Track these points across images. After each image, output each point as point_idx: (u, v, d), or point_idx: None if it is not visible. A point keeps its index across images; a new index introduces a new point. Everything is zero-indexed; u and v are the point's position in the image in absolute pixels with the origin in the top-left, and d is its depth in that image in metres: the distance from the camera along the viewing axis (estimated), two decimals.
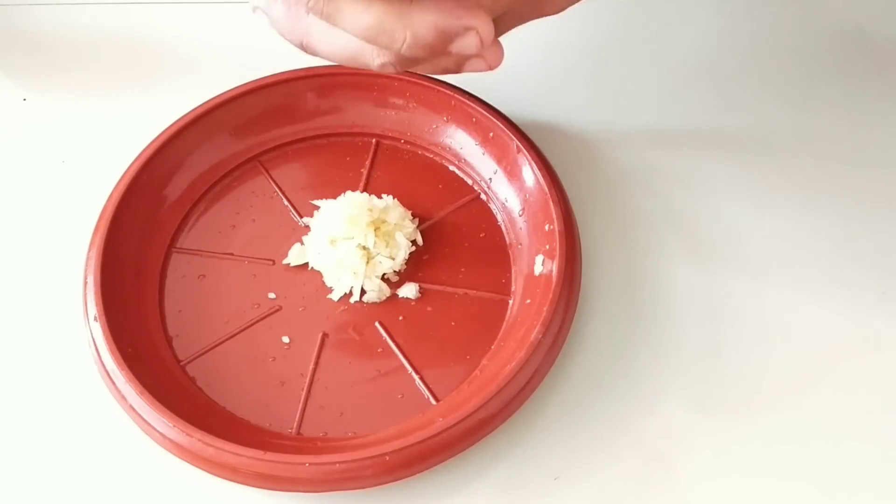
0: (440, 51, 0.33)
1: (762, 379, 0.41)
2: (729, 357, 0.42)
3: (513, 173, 0.45)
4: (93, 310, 0.41)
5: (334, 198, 0.45)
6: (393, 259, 0.44)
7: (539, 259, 0.43)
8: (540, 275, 0.42)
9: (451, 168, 0.48)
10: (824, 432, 0.40)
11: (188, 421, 0.38)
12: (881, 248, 0.45)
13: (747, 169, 0.48)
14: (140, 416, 0.39)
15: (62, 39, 0.55)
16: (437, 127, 0.48)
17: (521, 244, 0.44)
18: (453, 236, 0.45)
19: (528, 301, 0.42)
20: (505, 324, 0.43)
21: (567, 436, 0.40)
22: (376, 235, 0.43)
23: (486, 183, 0.47)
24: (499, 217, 0.46)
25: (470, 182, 0.47)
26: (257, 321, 0.43)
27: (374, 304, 0.44)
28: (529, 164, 0.44)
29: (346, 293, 0.44)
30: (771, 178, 0.47)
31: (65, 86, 0.53)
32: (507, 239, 0.45)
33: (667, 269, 0.44)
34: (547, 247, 0.42)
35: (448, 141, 0.48)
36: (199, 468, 0.38)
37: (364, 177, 0.47)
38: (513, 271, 0.44)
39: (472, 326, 0.43)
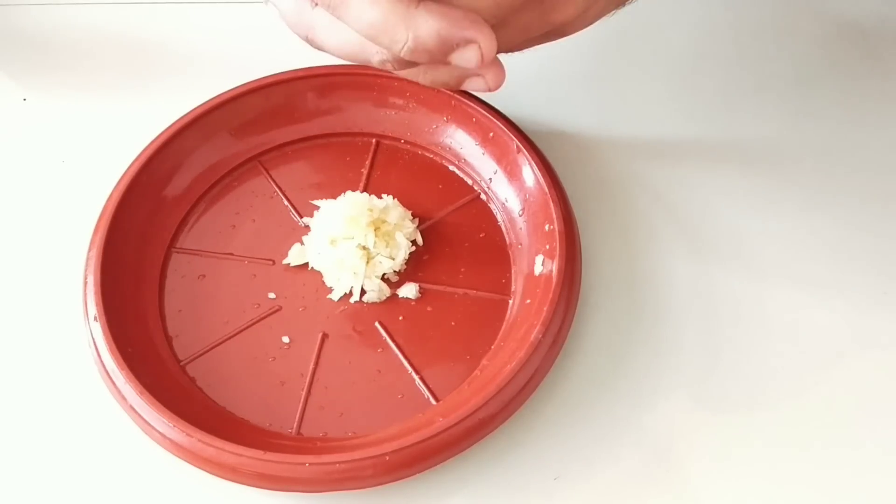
0: (440, 59, 0.33)
1: (762, 379, 0.41)
2: (729, 357, 0.42)
3: (513, 173, 0.45)
4: (93, 310, 0.41)
5: (334, 198, 0.45)
6: (393, 259, 0.44)
7: (539, 259, 0.43)
8: (540, 275, 0.42)
9: (451, 168, 0.48)
10: (824, 432, 0.40)
11: (188, 421, 0.38)
12: (881, 248, 0.45)
13: (747, 169, 0.48)
14: (140, 416, 0.39)
15: (62, 39, 0.55)
16: (437, 127, 0.48)
17: (521, 244, 0.44)
18: (453, 236, 0.45)
19: (528, 301, 0.42)
20: (505, 324, 0.43)
21: (567, 436, 0.40)
22: (376, 235, 0.43)
23: (486, 183, 0.47)
24: (499, 217, 0.46)
25: (470, 182, 0.47)
26: (257, 321, 0.43)
27: (374, 304, 0.44)
28: (529, 164, 0.44)
29: (346, 293, 0.44)
30: (771, 177, 0.47)
31: (65, 86, 0.53)
32: (507, 239, 0.45)
33: (667, 268, 0.44)
34: (547, 247, 0.42)
35: (448, 141, 0.48)
36: (199, 468, 0.38)
37: (364, 177, 0.47)
38: (513, 271, 0.44)
39: (472, 326, 0.43)
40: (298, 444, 0.39)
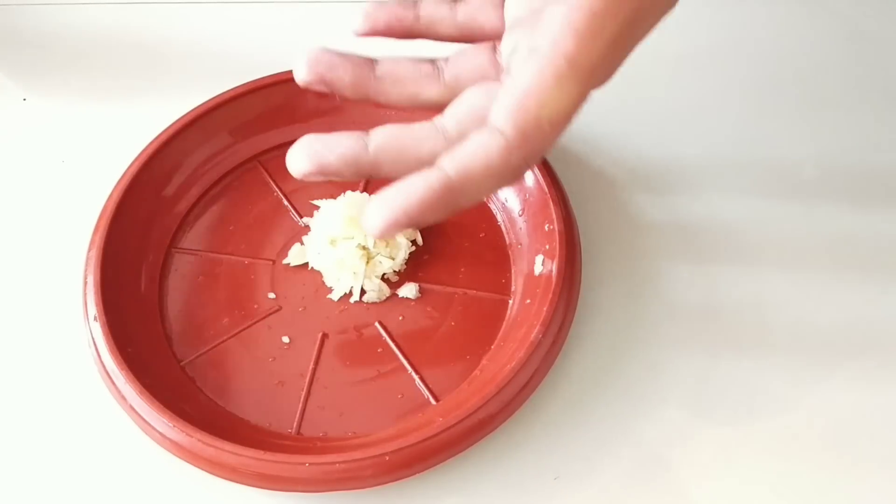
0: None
1: (762, 379, 0.41)
2: (729, 357, 0.42)
3: None
4: (93, 310, 0.41)
5: (334, 198, 0.45)
6: (393, 259, 0.44)
7: (539, 259, 0.43)
8: (540, 275, 0.42)
9: None
10: (824, 433, 0.40)
11: (188, 421, 0.38)
12: (881, 247, 0.45)
13: (747, 168, 0.48)
14: (140, 416, 0.39)
15: (62, 39, 0.55)
16: None
17: (521, 244, 0.44)
18: (453, 236, 0.45)
19: (528, 301, 0.42)
20: (505, 324, 0.43)
21: (567, 436, 0.40)
22: None
23: None
24: (499, 217, 0.46)
25: None
26: (257, 321, 0.43)
27: (374, 304, 0.44)
28: None
29: (346, 293, 0.44)
30: (771, 177, 0.47)
31: (65, 86, 0.53)
32: (506, 239, 0.45)
33: (667, 268, 0.44)
34: (547, 247, 0.42)
35: None
36: (199, 468, 0.38)
37: None
38: (513, 271, 0.44)
39: (471, 326, 0.43)
40: (298, 444, 0.39)
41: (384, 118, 0.48)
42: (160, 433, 0.38)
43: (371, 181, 0.47)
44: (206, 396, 0.41)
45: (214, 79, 0.48)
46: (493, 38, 0.38)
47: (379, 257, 0.44)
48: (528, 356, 0.39)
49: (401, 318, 0.43)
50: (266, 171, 0.48)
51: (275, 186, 0.47)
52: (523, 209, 0.45)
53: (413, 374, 0.42)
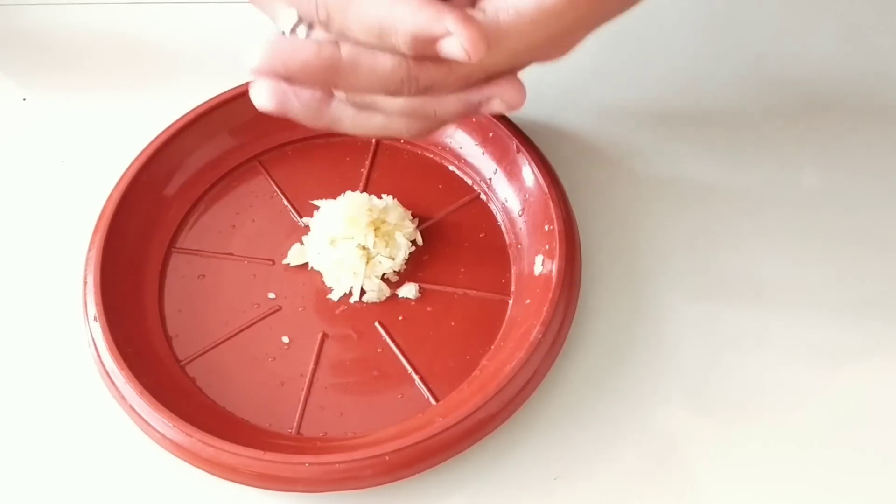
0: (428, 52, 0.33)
1: (762, 380, 0.41)
2: (728, 358, 0.42)
3: (513, 173, 0.45)
4: (93, 310, 0.41)
5: (334, 198, 0.45)
6: (393, 259, 0.44)
7: (539, 259, 0.43)
8: (540, 275, 0.42)
9: (451, 168, 0.48)
10: (824, 434, 0.40)
11: (188, 421, 0.38)
12: (881, 251, 0.45)
13: (747, 170, 0.48)
14: (140, 416, 0.39)
15: (62, 39, 0.55)
16: None
17: (520, 244, 0.44)
18: (453, 236, 0.45)
19: (528, 301, 0.42)
20: (504, 324, 0.43)
21: (567, 436, 0.40)
22: (376, 235, 0.43)
23: (485, 183, 0.47)
24: (499, 217, 0.46)
25: (470, 182, 0.47)
26: (257, 321, 0.43)
27: (373, 304, 0.44)
28: (529, 164, 0.44)
29: (345, 293, 0.44)
30: (771, 178, 0.47)
31: (65, 86, 0.53)
32: (506, 239, 0.45)
33: (667, 268, 0.44)
34: (547, 247, 0.42)
35: (448, 141, 0.48)
36: (199, 468, 0.38)
37: (364, 177, 0.47)
38: (512, 271, 0.44)
39: (471, 326, 0.43)
40: (298, 444, 0.39)
41: None
42: (160, 433, 0.38)
43: (371, 181, 0.47)
44: (206, 396, 0.41)
45: (214, 79, 0.48)
46: None
47: (379, 257, 0.44)
48: (528, 356, 0.39)
49: (401, 318, 0.43)
50: (266, 171, 0.48)
51: (275, 186, 0.47)
52: (523, 209, 0.45)
53: (413, 374, 0.42)
